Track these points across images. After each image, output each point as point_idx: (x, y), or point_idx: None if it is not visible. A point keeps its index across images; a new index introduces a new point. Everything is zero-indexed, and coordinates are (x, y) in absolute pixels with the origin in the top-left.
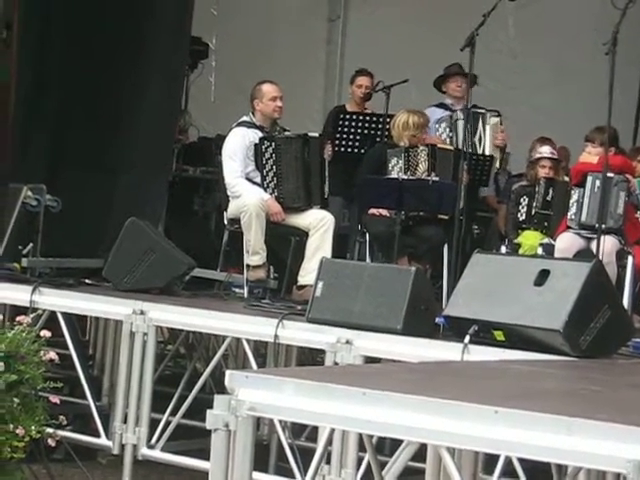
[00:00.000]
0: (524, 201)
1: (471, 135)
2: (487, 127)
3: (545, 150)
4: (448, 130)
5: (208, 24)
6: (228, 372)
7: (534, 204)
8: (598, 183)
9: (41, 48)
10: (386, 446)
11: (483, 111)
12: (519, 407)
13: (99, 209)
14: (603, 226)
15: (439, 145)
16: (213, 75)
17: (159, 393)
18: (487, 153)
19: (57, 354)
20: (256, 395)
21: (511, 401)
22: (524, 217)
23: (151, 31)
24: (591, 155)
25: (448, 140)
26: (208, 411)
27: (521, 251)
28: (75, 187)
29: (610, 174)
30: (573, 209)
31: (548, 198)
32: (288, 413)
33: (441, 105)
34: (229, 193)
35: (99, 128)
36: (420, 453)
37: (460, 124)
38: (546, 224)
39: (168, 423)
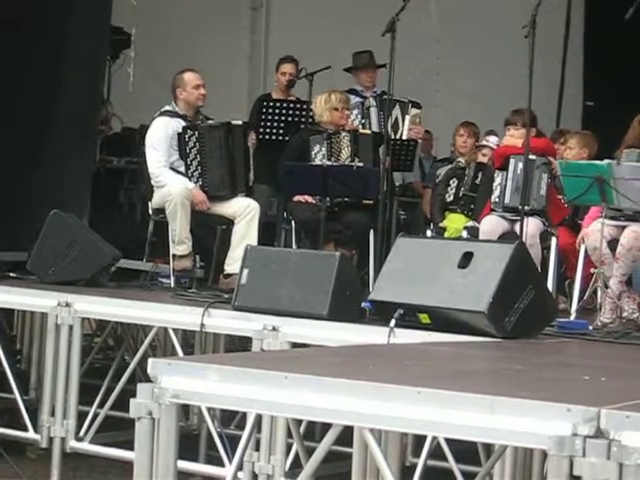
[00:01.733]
0: (453, 183)
1: (385, 122)
2: (407, 117)
3: (493, 140)
4: (360, 117)
5: (128, 14)
6: (151, 360)
7: (462, 186)
8: (521, 165)
9: None
10: (317, 432)
11: (405, 100)
12: (442, 387)
13: (22, 202)
14: (526, 208)
15: (360, 131)
16: (132, 66)
17: (89, 386)
18: None
19: None
20: (179, 382)
21: (434, 382)
22: (452, 198)
23: (70, 21)
24: (514, 138)
25: (360, 127)
26: (131, 400)
27: (446, 234)
28: None
29: (532, 156)
30: (496, 192)
31: (477, 181)
32: (212, 399)
33: (351, 91)
34: (153, 183)
35: (20, 120)
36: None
37: (373, 111)
38: (472, 206)
39: (96, 415)
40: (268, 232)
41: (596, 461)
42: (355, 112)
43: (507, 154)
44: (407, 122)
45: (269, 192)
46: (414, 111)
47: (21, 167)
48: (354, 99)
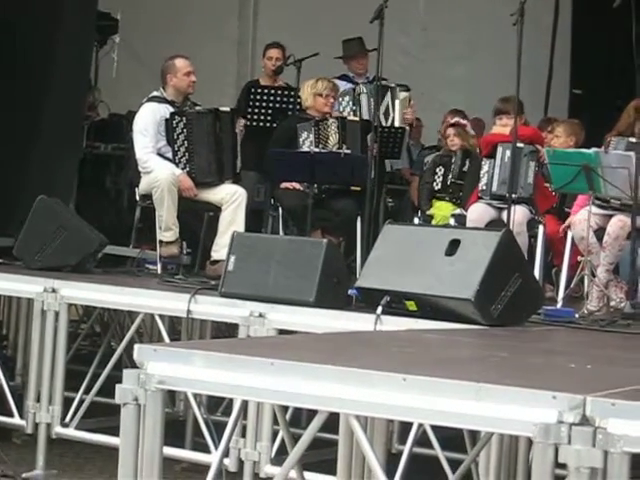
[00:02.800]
0: (440, 171)
1: (375, 108)
2: (397, 102)
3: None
4: (351, 104)
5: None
6: (137, 346)
7: (450, 174)
8: (508, 153)
9: None
10: (303, 418)
11: (393, 85)
12: (428, 374)
13: (9, 187)
14: (514, 196)
15: (348, 118)
16: (116, 51)
17: (75, 372)
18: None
19: None
20: (165, 368)
21: (420, 368)
22: (440, 187)
23: (60, 7)
24: (506, 127)
25: (352, 114)
26: (117, 385)
27: (434, 222)
28: None
29: (520, 144)
30: (484, 180)
31: (464, 169)
32: (198, 385)
33: (343, 77)
34: (140, 169)
35: (8, 105)
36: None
37: (363, 97)
38: (461, 194)
39: (82, 401)
40: (255, 219)
41: (581, 448)
42: (347, 98)
43: (495, 142)
44: (398, 107)
45: (256, 179)
46: (403, 94)
47: (8, 153)
48: (346, 85)
